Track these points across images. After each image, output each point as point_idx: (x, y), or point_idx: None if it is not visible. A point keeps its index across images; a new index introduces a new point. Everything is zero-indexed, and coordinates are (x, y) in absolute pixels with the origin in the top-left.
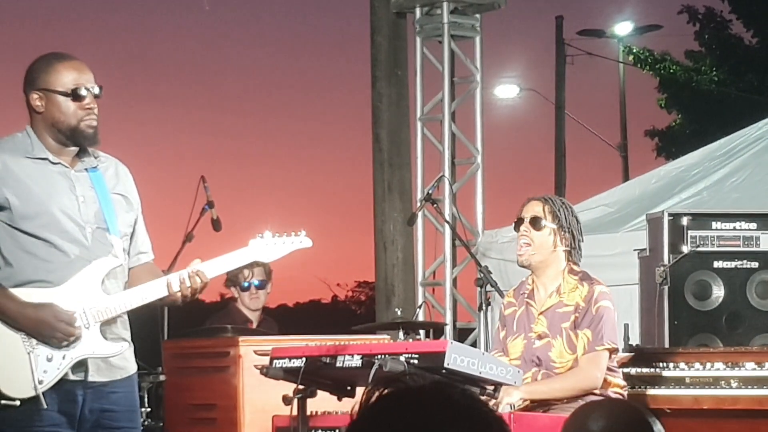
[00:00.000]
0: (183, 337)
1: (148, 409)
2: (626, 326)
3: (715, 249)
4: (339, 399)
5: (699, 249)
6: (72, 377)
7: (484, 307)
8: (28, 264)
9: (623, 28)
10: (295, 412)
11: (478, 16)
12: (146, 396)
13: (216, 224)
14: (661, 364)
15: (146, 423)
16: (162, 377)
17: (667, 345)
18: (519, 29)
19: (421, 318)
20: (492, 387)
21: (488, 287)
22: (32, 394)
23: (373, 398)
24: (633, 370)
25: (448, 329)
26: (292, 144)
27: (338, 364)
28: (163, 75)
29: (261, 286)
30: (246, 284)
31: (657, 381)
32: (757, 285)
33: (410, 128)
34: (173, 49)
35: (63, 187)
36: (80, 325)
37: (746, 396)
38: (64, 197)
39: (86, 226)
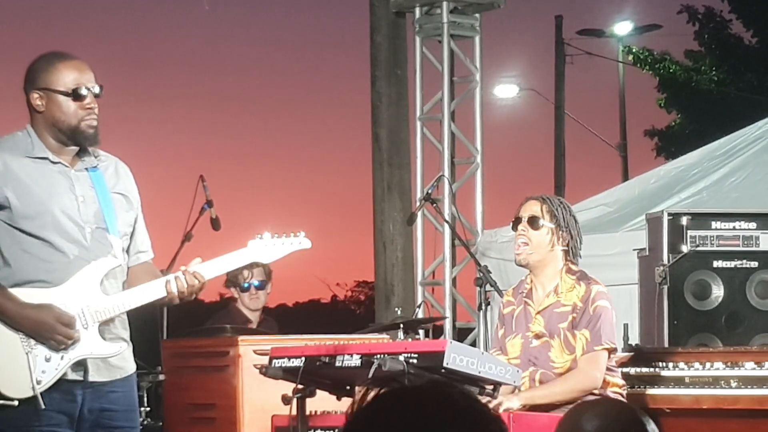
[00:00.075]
0: (182, 337)
1: (148, 409)
2: (626, 326)
3: (715, 249)
4: (338, 398)
5: (698, 249)
6: (71, 377)
7: (483, 307)
8: (28, 264)
9: (623, 27)
10: (294, 412)
11: (477, 15)
12: (146, 395)
13: (215, 223)
14: (660, 364)
15: (146, 422)
16: (161, 377)
17: (666, 345)
18: (518, 29)
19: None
20: (491, 386)
21: (488, 287)
22: (30, 394)
23: (372, 398)
24: (633, 370)
25: (448, 329)
26: (291, 144)
27: (337, 364)
28: (163, 75)
29: (261, 287)
30: (246, 285)
31: (656, 381)
32: (756, 285)
33: (410, 128)
34: (173, 49)
35: (63, 186)
36: (79, 327)
37: (746, 396)
38: (64, 197)
39: (86, 226)
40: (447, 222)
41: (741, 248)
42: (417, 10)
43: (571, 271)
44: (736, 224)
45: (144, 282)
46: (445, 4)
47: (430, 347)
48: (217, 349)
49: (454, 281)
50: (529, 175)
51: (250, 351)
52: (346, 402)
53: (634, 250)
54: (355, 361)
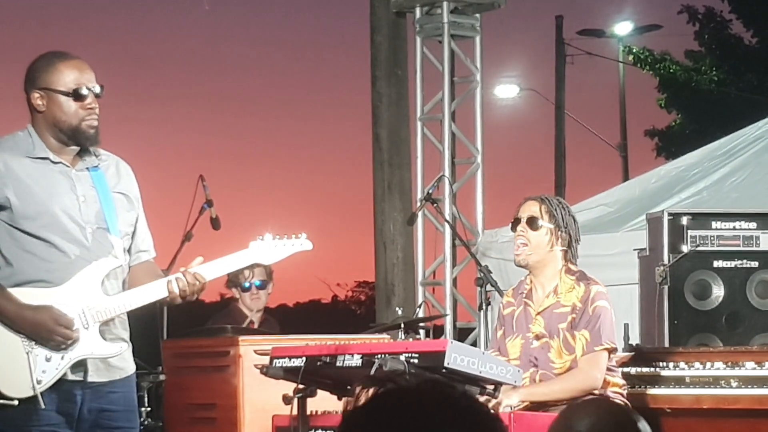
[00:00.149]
0: (183, 337)
1: (148, 409)
2: (626, 326)
3: (715, 248)
4: (339, 398)
5: (699, 248)
6: (71, 377)
7: (484, 307)
8: (29, 264)
9: (623, 27)
10: (295, 412)
11: (478, 15)
12: (146, 395)
13: (215, 223)
14: (661, 364)
15: (146, 422)
16: (162, 377)
17: (667, 345)
18: (519, 29)
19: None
20: (492, 386)
21: (488, 287)
22: (30, 393)
23: (370, 397)
24: (633, 370)
25: (448, 329)
26: (292, 144)
27: (338, 364)
28: (163, 75)
29: (262, 287)
30: (247, 284)
31: (657, 380)
32: (756, 284)
33: (410, 128)
34: (173, 49)
35: (64, 186)
36: (79, 327)
37: (746, 395)
38: (65, 197)
39: (87, 227)
40: (447, 222)
41: (741, 248)
42: (417, 10)
43: (571, 271)
44: (737, 224)
45: (145, 281)
46: (445, 4)
47: (431, 347)
48: (217, 349)
49: (454, 281)
50: (529, 175)
51: (251, 351)
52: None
53: (635, 250)
54: (356, 361)
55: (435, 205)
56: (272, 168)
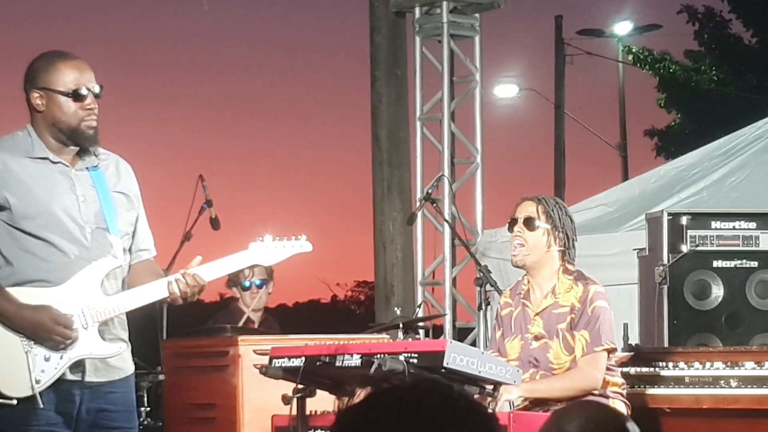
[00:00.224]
0: (182, 337)
1: (148, 409)
2: (626, 326)
3: (715, 248)
4: (338, 398)
5: (698, 248)
6: (69, 377)
7: (483, 307)
8: (28, 263)
9: (623, 27)
10: (294, 412)
11: (477, 15)
12: (145, 395)
13: (215, 223)
14: (660, 364)
15: (145, 422)
16: (161, 377)
17: (666, 344)
18: (518, 29)
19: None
20: (491, 386)
21: (488, 287)
22: (29, 393)
23: (367, 396)
24: (632, 370)
25: (448, 329)
26: (291, 144)
27: (337, 364)
28: (163, 75)
29: (262, 286)
30: (247, 284)
31: (656, 380)
32: (756, 284)
33: (409, 128)
34: (173, 49)
35: (63, 186)
36: (78, 327)
37: (746, 395)
38: (65, 197)
39: (86, 226)
40: (447, 222)
41: (741, 248)
42: (417, 10)
43: (568, 271)
44: (736, 224)
45: (146, 280)
46: (444, 4)
47: (431, 347)
48: (217, 349)
49: (454, 281)
50: (529, 175)
51: (250, 351)
52: None
53: (634, 249)
54: (356, 361)
55: (434, 205)
56: (272, 168)
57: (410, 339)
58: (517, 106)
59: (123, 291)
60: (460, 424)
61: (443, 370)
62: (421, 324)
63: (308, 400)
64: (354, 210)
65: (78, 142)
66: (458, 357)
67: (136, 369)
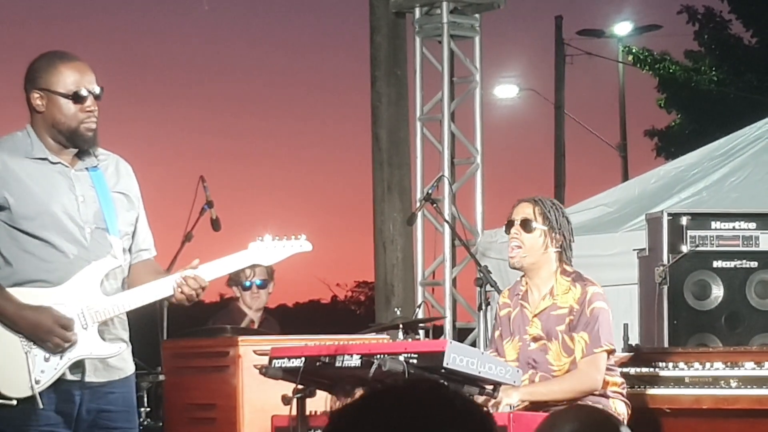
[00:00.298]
0: (182, 337)
1: (148, 409)
2: (626, 326)
3: (715, 249)
4: (338, 399)
5: (698, 249)
6: (69, 377)
7: (483, 307)
8: (28, 264)
9: (623, 28)
10: (294, 412)
11: (477, 15)
12: (146, 396)
13: (215, 224)
14: (660, 364)
15: (146, 423)
16: (161, 377)
17: (666, 345)
18: (518, 29)
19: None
20: (491, 387)
21: (488, 287)
22: (29, 393)
23: (362, 396)
24: (632, 370)
25: (448, 329)
26: (292, 144)
27: (337, 364)
28: (163, 75)
29: (263, 286)
30: (248, 284)
31: (656, 381)
32: (756, 285)
33: (410, 128)
34: (173, 49)
35: (63, 186)
36: (78, 327)
37: (746, 396)
38: (64, 197)
39: (85, 226)
40: (447, 222)
41: (741, 248)
42: (417, 11)
43: (566, 272)
44: (736, 224)
45: (147, 279)
46: (444, 4)
47: (430, 347)
48: (217, 349)
49: (454, 281)
50: (529, 176)
51: (250, 351)
52: None
53: (634, 250)
54: (355, 361)
55: (434, 205)
56: (272, 168)
57: (410, 339)
58: (517, 107)
59: (123, 291)
60: (457, 425)
61: (443, 371)
62: (420, 324)
63: (308, 401)
64: (354, 210)
65: (76, 143)
66: (458, 357)
67: (136, 369)
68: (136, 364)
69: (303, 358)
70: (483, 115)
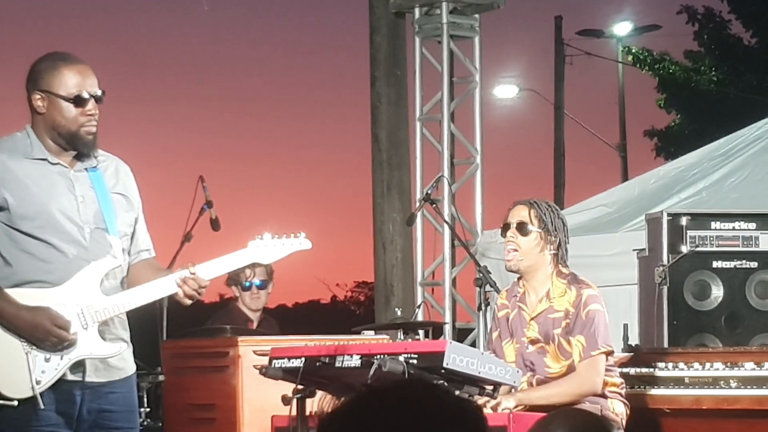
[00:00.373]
0: (182, 337)
1: (147, 409)
2: (625, 326)
3: (715, 249)
4: (338, 399)
5: (698, 249)
6: (70, 377)
7: (483, 307)
8: (27, 264)
9: (622, 28)
10: (294, 412)
11: (477, 16)
12: (145, 396)
13: (215, 224)
14: (660, 364)
15: (145, 423)
16: (161, 377)
17: (666, 345)
18: (518, 29)
19: (420, 318)
20: (491, 387)
21: (487, 287)
22: (30, 394)
23: (354, 397)
24: (632, 370)
25: (448, 329)
26: (291, 144)
27: (337, 364)
28: (163, 75)
29: (262, 286)
30: (247, 284)
31: (656, 381)
32: (756, 285)
33: (409, 128)
34: (173, 49)
35: (62, 187)
36: (77, 327)
37: (746, 396)
38: (63, 198)
39: (85, 227)
40: (447, 222)
41: (740, 248)
42: (416, 11)
43: (562, 274)
44: (736, 224)
45: (148, 277)
46: (444, 4)
47: (430, 348)
48: (216, 349)
49: (453, 282)
50: (528, 176)
51: (250, 351)
52: None
53: (634, 250)
54: (355, 361)
55: (434, 205)
56: (272, 168)
57: (410, 339)
58: (517, 107)
59: (122, 291)
60: (450, 424)
61: (443, 371)
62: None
63: (308, 401)
64: (354, 210)
65: (76, 146)
66: (458, 358)
67: (136, 369)
68: (135, 364)
69: (303, 359)
70: (483, 115)
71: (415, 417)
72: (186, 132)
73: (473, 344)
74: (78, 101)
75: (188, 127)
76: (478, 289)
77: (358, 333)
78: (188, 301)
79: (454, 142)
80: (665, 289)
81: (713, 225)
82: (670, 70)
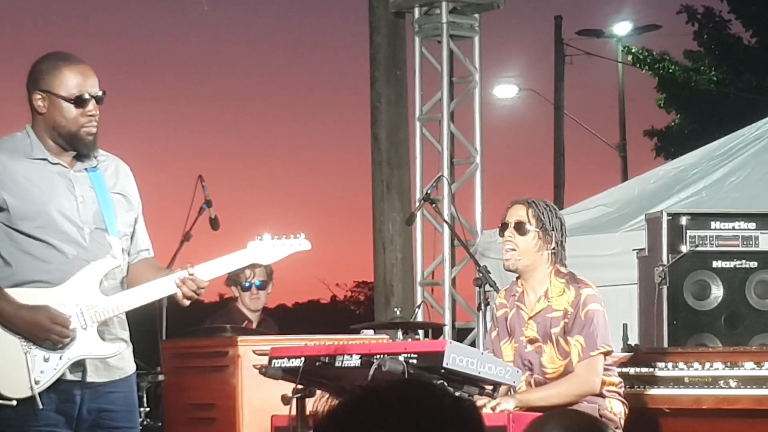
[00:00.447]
0: (182, 337)
1: (147, 409)
2: (625, 326)
3: (714, 249)
4: (338, 399)
5: (698, 249)
6: (69, 377)
7: (482, 307)
8: (27, 264)
9: (622, 28)
10: (293, 412)
11: (476, 15)
12: (145, 396)
13: (214, 223)
14: (660, 364)
15: (145, 423)
16: (161, 377)
17: (666, 345)
18: (518, 29)
19: (420, 318)
20: (491, 387)
21: (487, 287)
22: (28, 394)
23: (351, 397)
24: (632, 370)
25: (447, 329)
26: (291, 144)
27: (337, 364)
28: (162, 74)
29: (262, 287)
30: (247, 284)
31: (656, 381)
32: (756, 285)
33: (409, 128)
34: (173, 49)
35: (62, 187)
36: (76, 327)
37: (745, 396)
38: (63, 198)
39: (84, 227)
40: (446, 222)
41: (740, 248)
42: (416, 11)
43: (560, 273)
44: (736, 224)
45: (148, 276)
46: (444, 4)
47: (430, 347)
48: (216, 349)
49: (453, 281)
50: (528, 176)
51: (250, 351)
52: None
53: (634, 250)
54: (355, 361)
55: (434, 205)
56: (272, 168)
57: (409, 339)
58: (517, 107)
59: (122, 291)
60: (447, 423)
61: (443, 371)
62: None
63: (308, 401)
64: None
65: (76, 147)
66: (458, 357)
67: (136, 369)
68: (135, 363)
69: (303, 358)
70: (482, 115)
71: (413, 417)
72: (186, 132)
73: (473, 344)
74: (79, 102)
75: (188, 127)
76: (477, 288)
77: (357, 332)
78: (187, 302)
79: (453, 142)
80: (665, 288)
81: (713, 225)
82: (670, 70)
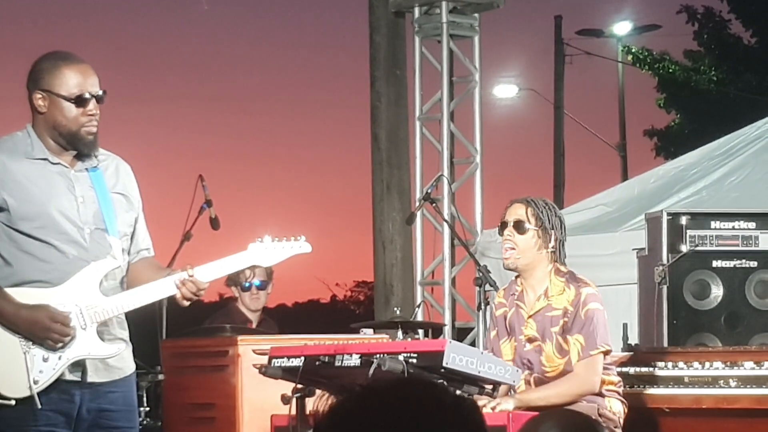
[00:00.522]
0: (182, 337)
1: (147, 409)
2: (625, 326)
3: (714, 248)
4: (338, 398)
5: (698, 248)
6: (69, 377)
7: (482, 307)
8: (27, 264)
9: (622, 27)
10: (293, 412)
11: (476, 15)
12: (145, 395)
13: (214, 223)
14: (659, 364)
15: (145, 422)
16: (161, 376)
17: (665, 344)
18: (518, 29)
19: (420, 318)
20: (491, 386)
21: (487, 286)
22: (27, 394)
23: (351, 396)
24: (632, 370)
25: (447, 328)
26: (291, 143)
27: (337, 364)
28: (162, 74)
29: (262, 287)
30: (247, 284)
31: (656, 380)
32: (755, 284)
33: (409, 128)
34: (173, 49)
35: (62, 187)
36: (75, 326)
37: (745, 395)
38: (63, 198)
39: (84, 227)
40: (446, 222)
41: (740, 248)
42: (416, 10)
43: (560, 272)
44: (736, 224)
45: (148, 275)
46: (444, 3)
47: (430, 347)
48: (216, 348)
49: (453, 281)
50: (528, 175)
51: (250, 351)
52: None
53: (634, 249)
54: (355, 360)
55: (434, 204)
56: (272, 168)
57: (409, 339)
58: (517, 106)
59: (122, 291)
60: (448, 422)
61: (443, 370)
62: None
63: (307, 400)
64: (354, 210)
65: (76, 146)
66: (457, 357)
67: (136, 369)
68: (135, 363)
69: (302, 358)
70: (482, 114)
71: (413, 416)
72: (186, 132)
73: (473, 344)
74: (79, 101)
75: (188, 127)
76: (477, 288)
77: (357, 331)
78: (186, 303)
79: (453, 142)
80: (665, 288)
81: (713, 224)
82: (670, 70)
